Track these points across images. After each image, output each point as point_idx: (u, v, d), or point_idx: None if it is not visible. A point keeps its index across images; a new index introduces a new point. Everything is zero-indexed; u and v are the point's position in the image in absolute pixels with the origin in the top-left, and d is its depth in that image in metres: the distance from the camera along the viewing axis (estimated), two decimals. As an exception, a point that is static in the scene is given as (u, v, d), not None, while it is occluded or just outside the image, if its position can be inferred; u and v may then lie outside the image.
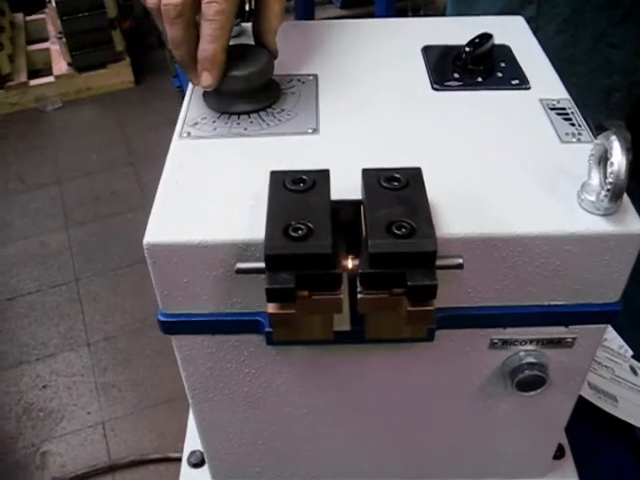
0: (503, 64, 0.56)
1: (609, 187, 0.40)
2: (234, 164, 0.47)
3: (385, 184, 0.41)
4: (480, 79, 0.55)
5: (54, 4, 2.36)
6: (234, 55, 0.50)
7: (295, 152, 0.48)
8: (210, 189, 0.45)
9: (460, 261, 0.40)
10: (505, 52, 0.58)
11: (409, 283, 0.37)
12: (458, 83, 0.55)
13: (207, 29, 0.48)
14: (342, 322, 0.42)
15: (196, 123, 0.51)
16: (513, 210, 0.43)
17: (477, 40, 0.55)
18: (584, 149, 0.45)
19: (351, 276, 0.40)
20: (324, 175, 0.41)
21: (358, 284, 0.39)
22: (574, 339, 0.48)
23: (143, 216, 0.42)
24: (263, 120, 0.51)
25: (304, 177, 0.41)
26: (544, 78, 0.55)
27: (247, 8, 0.55)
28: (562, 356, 0.49)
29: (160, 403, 1.52)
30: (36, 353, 1.68)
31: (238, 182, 0.45)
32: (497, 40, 0.56)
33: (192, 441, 0.63)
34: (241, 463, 0.58)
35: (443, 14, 0.91)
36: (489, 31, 0.55)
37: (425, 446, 0.57)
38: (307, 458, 0.58)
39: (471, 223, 0.42)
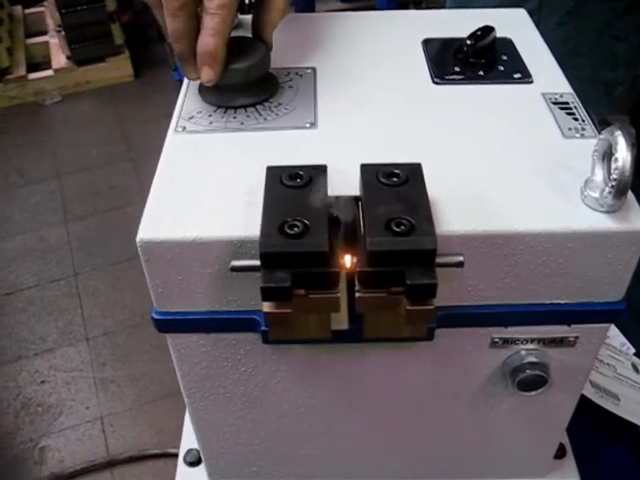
0: (505, 57, 0.56)
1: (613, 183, 0.39)
2: (230, 159, 0.46)
3: (384, 180, 0.40)
4: (481, 73, 0.54)
5: (53, -3, 2.35)
6: (230, 47, 0.49)
7: (292, 147, 0.47)
8: (205, 185, 0.44)
9: (460, 259, 0.39)
10: (507, 45, 0.57)
11: (408, 282, 0.36)
12: (459, 77, 0.54)
13: (209, 22, 0.47)
14: (340, 321, 0.42)
15: (192, 117, 0.50)
16: (515, 207, 0.42)
17: (479, 33, 0.55)
18: (587, 144, 0.45)
19: (349, 274, 0.39)
20: (321, 171, 0.41)
21: (356, 282, 0.38)
22: (576, 338, 0.47)
23: (142, 211, 0.41)
24: (260, 114, 0.50)
25: (301, 173, 0.40)
26: (547, 72, 0.54)
27: (247, 1, 0.55)
28: (564, 355, 0.48)
29: (159, 398, 1.51)
30: (34, 348, 1.67)
31: (234, 177, 0.44)
32: (499, 33, 0.55)
33: (188, 439, 0.63)
34: (238, 462, 0.57)
35: (444, 6, 0.90)
36: (491, 24, 0.55)
37: (424, 446, 0.57)
38: (304, 458, 0.57)
39: (472, 220, 0.41)
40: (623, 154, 0.38)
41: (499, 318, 0.45)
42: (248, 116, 0.50)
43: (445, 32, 0.58)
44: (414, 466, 0.59)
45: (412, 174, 0.40)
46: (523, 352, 0.47)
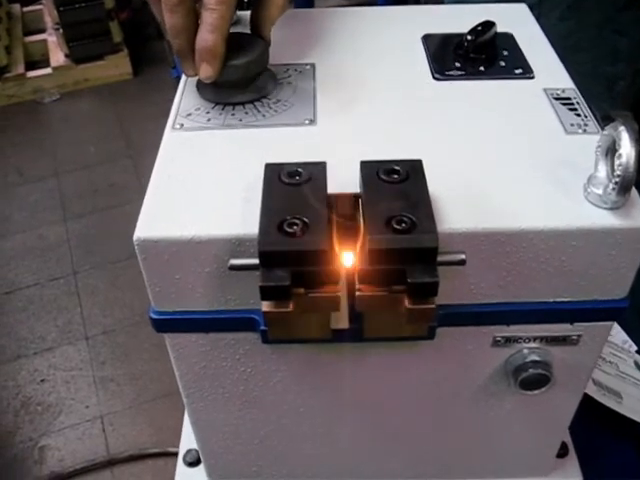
0: (506, 53, 0.55)
1: (617, 180, 0.39)
2: (228, 156, 0.46)
3: (384, 177, 0.39)
4: (482, 68, 0.54)
5: (51, -5, 2.34)
6: (229, 44, 0.48)
7: (291, 144, 0.46)
8: (203, 182, 0.44)
9: (462, 257, 0.38)
10: (508, 40, 0.56)
11: (409, 280, 0.35)
12: (460, 72, 0.53)
13: (208, 18, 0.46)
14: (340, 320, 0.41)
15: (189, 114, 0.49)
16: (517, 204, 0.41)
17: (479, 28, 0.54)
18: (590, 140, 0.44)
19: (349, 273, 0.39)
20: (321, 168, 0.40)
21: (356, 281, 0.37)
22: (579, 336, 0.46)
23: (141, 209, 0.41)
24: (258, 111, 0.49)
25: (300, 170, 0.40)
26: (548, 67, 0.54)
27: (246, -2, 0.54)
28: (567, 354, 0.47)
29: (159, 397, 1.51)
30: (34, 347, 1.67)
31: (232, 175, 0.44)
32: (499, 28, 0.55)
33: (188, 439, 0.62)
34: (237, 463, 0.57)
35: (443, 2, 0.89)
36: (491, 19, 0.54)
37: (425, 446, 0.56)
38: (304, 458, 0.57)
39: (474, 217, 0.40)
40: (627, 150, 0.38)
41: (501, 316, 0.45)
42: (246, 113, 0.49)
43: (445, 27, 0.58)
44: (415, 466, 0.58)
45: (413, 171, 0.40)
46: (525, 351, 0.47)
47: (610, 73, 0.83)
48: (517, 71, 0.53)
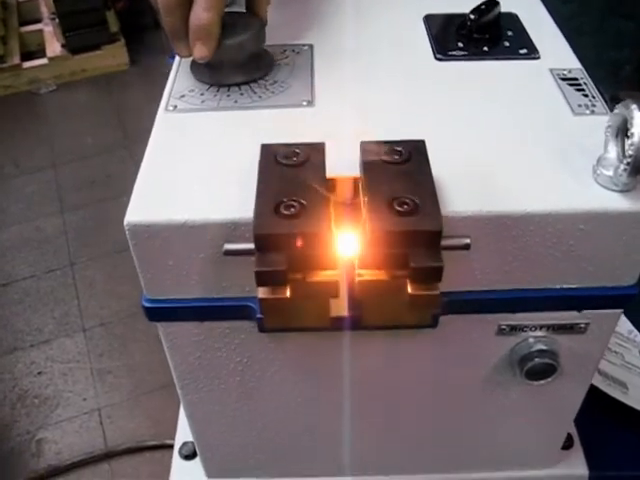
0: (510, 33, 0.54)
1: (629, 160, 0.37)
2: (222, 138, 0.44)
3: (386, 158, 0.38)
4: (486, 48, 0.52)
5: (47, -16, 2.32)
6: (223, 23, 0.47)
7: (288, 125, 0.45)
8: (196, 165, 0.42)
9: (467, 241, 0.37)
10: (512, 20, 0.55)
11: (412, 264, 0.34)
12: (463, 53, 0.52)
13: None
14: (339, 307, 0.40)
15: (183, 96, 0.48)
16: (524, 186, 0.40)
17: (482, 7, 0.53)
18: (599, 121, 0.43)
19: (349, 257, 0.37)
20: (319, 148, 0.39)
21: (356, 266, 0.36)
22: (587, 325, 0.45)
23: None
24: (254, 92, 0.48)
25: (297, 150, 0.38)
26: (554, 47, 0.53)
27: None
28: (574, 343, 0.46)
29: (156, 389, 1.50)
30: (31, 339, 1.66)
31: (227, 157, 0.42)
32: (503, 8, 0.53)
33: (183, 432, 0.61)
34: (234, 456, 0.56)
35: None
36: (495, -2, 0.52)
37: (427, 438, 0.55)
38: (304, 451, 0.56)
39: (479, 200, 0.39)
40: (639, 129, 0.36)
41: (507, 304, 0.44)
42: (242, 94, 0.48)
43: (447, 7, 0.56)
44: (416, 459, 0.57)
45: (415, 151, 0.38)
46: (531, 339, 0.46)
47: (615, 58, 0.82)
48: (522, 51, 0.52)
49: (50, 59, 2.51)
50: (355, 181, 0.39)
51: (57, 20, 2.44)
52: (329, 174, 0.38)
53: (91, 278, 1.80)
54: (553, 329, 0.45)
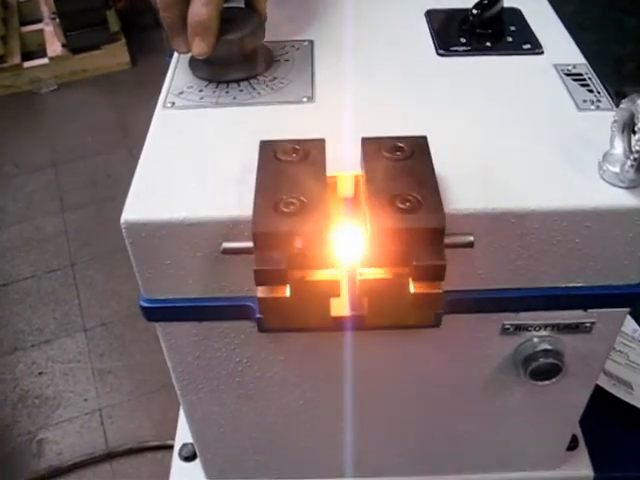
0: (513, 28, 0.53)
1: (636, 156, 0.37)
2: (221, 135, 0.44)
3: (387, 154, 0.37)
4: (489, 44, 0.52)
5: (47, -17, 2.32)
6: (222, 18, 0.46)
7: (288, 122, 0.45)
8: (194, 162, 0.42)
9: (470, 239, 0.36)
10: (515, 15, 0.55)
11: (414, 262, 0.33)
12: (465, 48, 0.51)
13: None
14: (340, 307, 0.39)
15: (181, 92, 0.47)
16: (528, 183, 0.40)
17: (485, 2, 0.52)
18: (604, 117, 0.42)
19: (350, 256, 0.37)
20: (319, 145, 0.38)
21: (358, 264, 0.35)
22: (593, 324, 0.45)
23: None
24: (254, 88, 0.47)
25: (297, 147, 0.38)
26: (558, 42, 0.52)
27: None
28: (579, 342, 0.46)
29: (157, 389, 1.50)
30: (31, 339, 1.65)
31: (226, 154, 0.42)
32: (506, 2, 0.53)
33: (183, 433, 0.60)
34: (234, 457, 0.56)
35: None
36: (498, -8, 0.52)
37: (431, 439, 0.55)
38: (304, 452, 0.55)
39: (482, 197, 0.38)
40: (647, 124, 0.35)
41: (511, 303, 0.43)
42: (241, 91, 0.47)
43: (449, 2, 0.56)
44: (420, 461, 0.57)
45: (418, 148, 0.38)
46: (536, 339, 0.45)
47: (618, 54, 0.81)
48: (525, 46, 0.51)
49: (51, 59, 2.51)
50: (356, 178, 0.39)
51: (58, 20, 2.44)
52: (330, 171, 0.38)
53: (92, 278, 1.79)
54: (558, 329, 0.45)
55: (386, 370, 0.48)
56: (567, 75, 0.48)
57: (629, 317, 0.74)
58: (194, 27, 0.45)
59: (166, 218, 0.38)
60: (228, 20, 0.47)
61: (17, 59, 2.49)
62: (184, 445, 0.60)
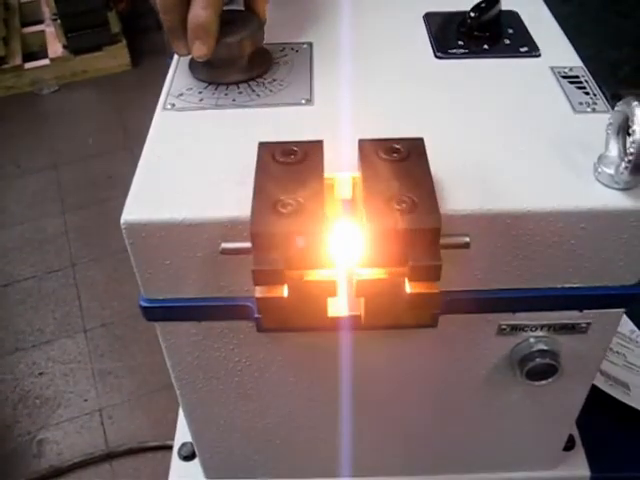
0: (511, 31, 0.54)
1: (630, 158, 0.37)
2: (221, 136, 0.44)
3: (384, 156, 0.38)
4: (486, 46, 0.52)
5: (48, -15, 2.32)
6: (222, 20, 0.47)
7: (287, 124, 0.45)
8: (194, 163, 0.42)
9: (466, 240, 0.36)
10: (513, 18, 0.55)
11: (411, 263, 0.34)
12: (463, 51, 0.52)
13: None
14: (337, 307, 0.39)
15: (181, 94, 0.48)
16: (524, 184, 0.40)
17: (483, 5, 0.52)
18: (600, 119, 0.43)
19: (347, 256, 0.37)
20: (317, 146, 0.38)
21: (355, 264, 0.36)
22: (588, 324, 0.45)
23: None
24: (253, 90, 0.48)
25: (295, 149, 0.38)
26: (555, 45, 0.52)
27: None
28: (575, 343, 0.46)
29: (158, 390, 1.50)
30: (32, 340, 1.65)
31: (224, 156, 0.42)
32: (504, 6, 0.53)
33: (183, 433, 0.61)
34: (233, 457, 0.56)
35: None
36: (495, -4, 0.52)
37: (428, 439, 0.55)
38: (303, 452, 0.55)
39: (478, 198, 0.39)
40: (641, 126, 0.36)
41: (507, 303, 0.43)
42: (240, 92, 0.48)
43: (447, 5, 0.56)
44: (418, 460, 0.57)
45: (414, 149, 0.38)
46: (532, 340, 0.46)
47: (615, 57, 0.81)
48: (523, 49, 0.52)
49: (52, 60, 2.51)
50: (353, 179, 0.39)
51: (59, 21, 2.44)
52: (327, 172, 0.38)
53: (92, 278, 1.79)
54: (554, 329, 0.45)
55: (383, 370, 0.48)
56: (564, 77, 0.49)
57: (627, 318, 0.74)
58: (194, 30, 0.45)
59: (166, 218, 0.38)
60: (228, 23, 0.47)
61: (18, 60, 2.49)
62: (183, 444, 0.61)
